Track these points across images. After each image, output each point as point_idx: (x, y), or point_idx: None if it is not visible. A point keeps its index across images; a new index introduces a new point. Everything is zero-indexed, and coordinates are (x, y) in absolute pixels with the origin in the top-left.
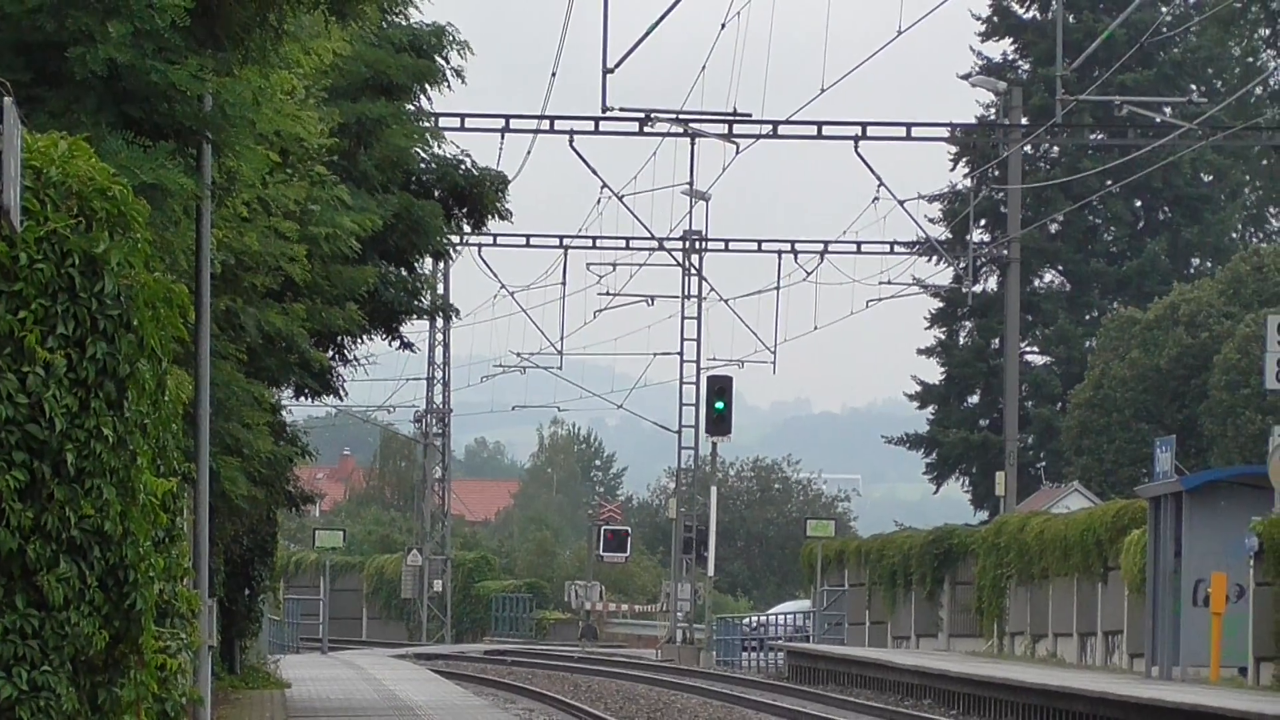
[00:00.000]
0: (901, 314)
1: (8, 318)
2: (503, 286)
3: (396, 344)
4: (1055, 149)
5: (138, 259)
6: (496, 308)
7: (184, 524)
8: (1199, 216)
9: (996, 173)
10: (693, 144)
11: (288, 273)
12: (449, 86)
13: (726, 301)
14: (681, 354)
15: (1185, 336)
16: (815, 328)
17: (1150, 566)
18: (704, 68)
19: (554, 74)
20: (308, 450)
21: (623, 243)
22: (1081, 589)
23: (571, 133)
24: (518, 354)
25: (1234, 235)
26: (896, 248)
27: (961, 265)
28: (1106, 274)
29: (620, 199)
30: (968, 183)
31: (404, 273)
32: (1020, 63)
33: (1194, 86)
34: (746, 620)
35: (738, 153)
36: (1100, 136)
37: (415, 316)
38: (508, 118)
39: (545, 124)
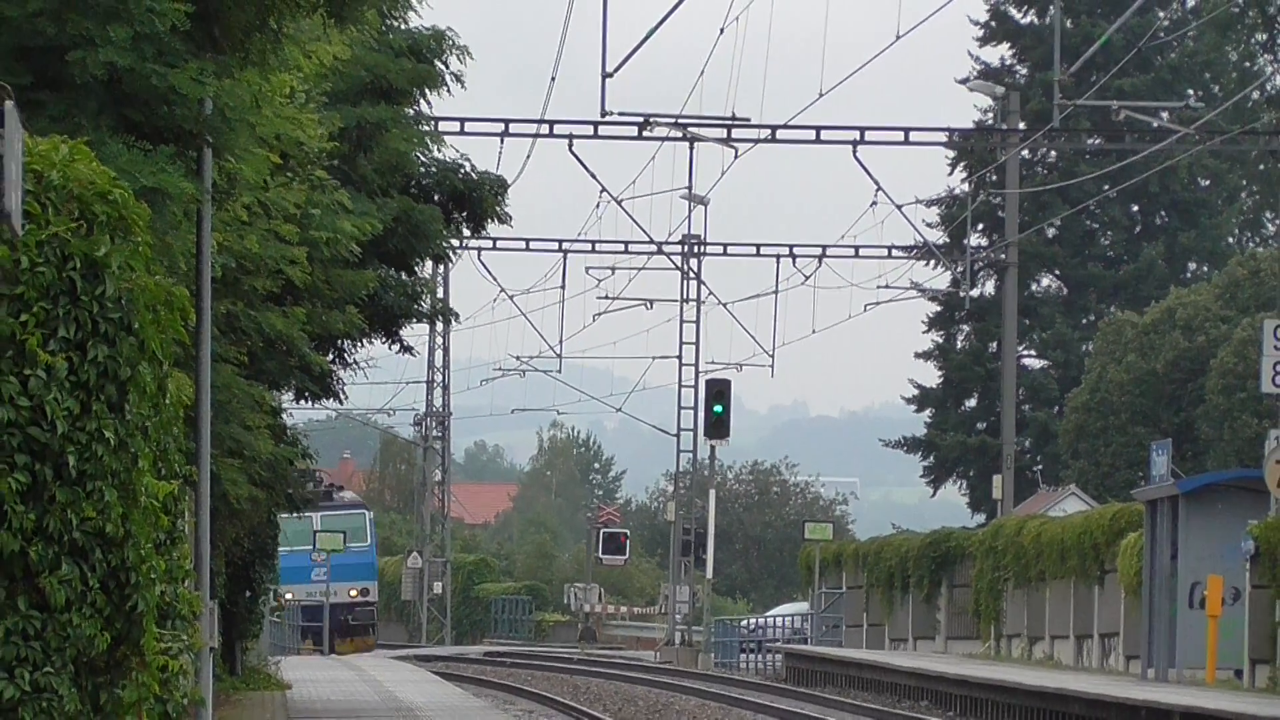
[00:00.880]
0: (899, 318)
1: (9, 321)
2: (502, 290)
3: (396, 347)
4: (1053, 153)
5: (138, 262)
6: (496, 311)
7: (185, 526)
8: (1196, 221)
9: (994, 177)
10: (691, 148)
11: (288, 276)
12: (448, 91)
13: (725, 305)
14: (680, 357)
15: (1182, 340)
16: (813, 331)
17: (1147, 569)
18: (702, 72)
19: (553, 78)
20: (308, 452)
21: (622, 247)
22: (1078, 592)
23: (571, 137)
24: (517, 357)
25: (1230, 240)
26: (894, 252)
27: (959, 269)
28: (1103, 278)
29: (619, 203)
30: (965, 187)
31: (404, 276)
32: (1018, 68)
33: (1191, 91)
34: (745, 622)
35: (736, 157)
36: (1097, 141)
37: (415, 320)
38: (507, 122)
39: (544, 128)
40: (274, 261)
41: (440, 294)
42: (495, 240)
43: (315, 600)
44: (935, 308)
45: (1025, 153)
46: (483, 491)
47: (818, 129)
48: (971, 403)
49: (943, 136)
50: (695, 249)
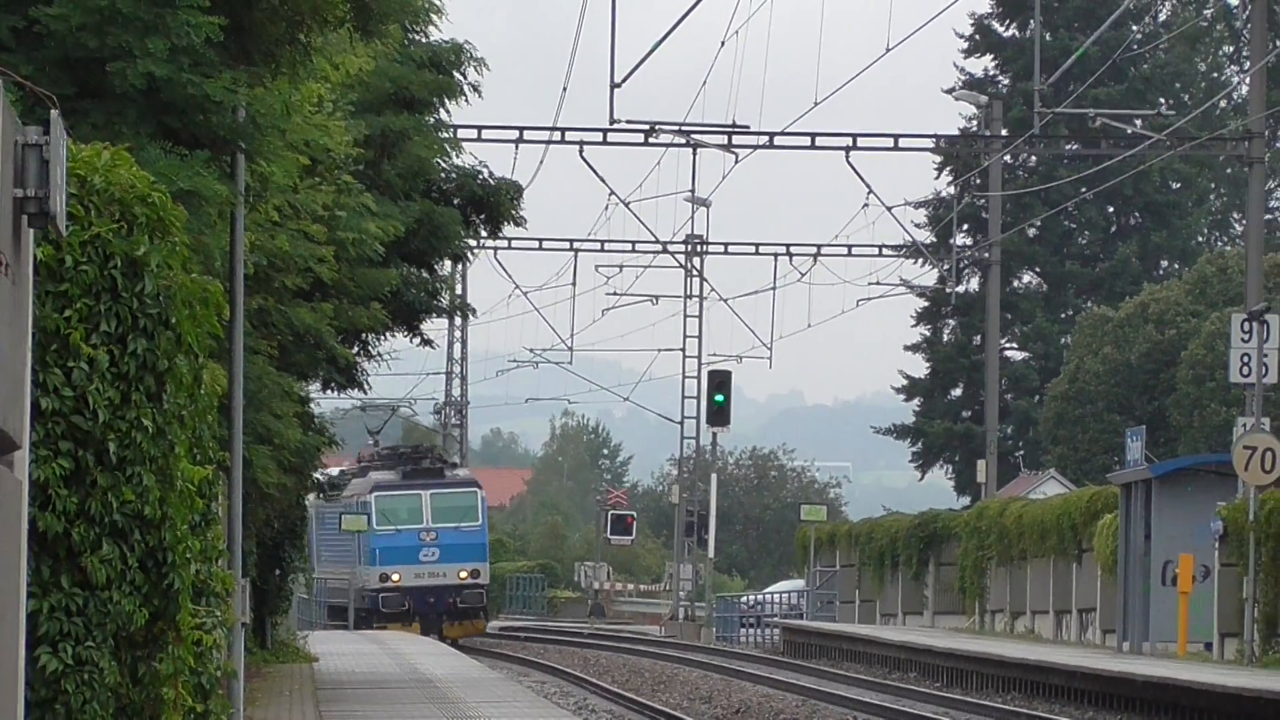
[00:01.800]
0: (889, 313)
1: (54, 316)
2: (517, 287)
3: (417, 340)
4: (1033, 158)
5: (176, 261)
6: (511, 306)
7: (219, 509)
8: (1167, 221)
9: (978, 181)
10: (694, 154)
11: (316, 273)
12: (466, 100)
13: (726, 301)
14: (684, 350)
15: (1155, 334)
16: (809, 325)
17: (1122, 548)
18: (705, 82)
19: (565, 89)
20: (334, 440)
21: (629, 246)
22: (1057, 569)
23: (581, 143)
24: (531, 350)
25: (1200, 239)
26: (885, 251)
27: (945, 267)
28: (1081, 275)
29: (627, 205)
30: (951, 190)
31: (424, 274)
32: (1000, 78)
33: (1163, 100)
34: (744, 599)
35: (736, 162)
36: (1075, 147)
37: (435, 315)
38: (521, 129)
39: (557, 135)
40: (303, 260)
41: (459, 291)
42: (510, 240)
43: (424, 582)
44: (923, 303)
45: (1007, 158)
46: (498, 476)
47: (813, 135)
48: (957, 392)
49: (930, 143)
50: (698, 248)
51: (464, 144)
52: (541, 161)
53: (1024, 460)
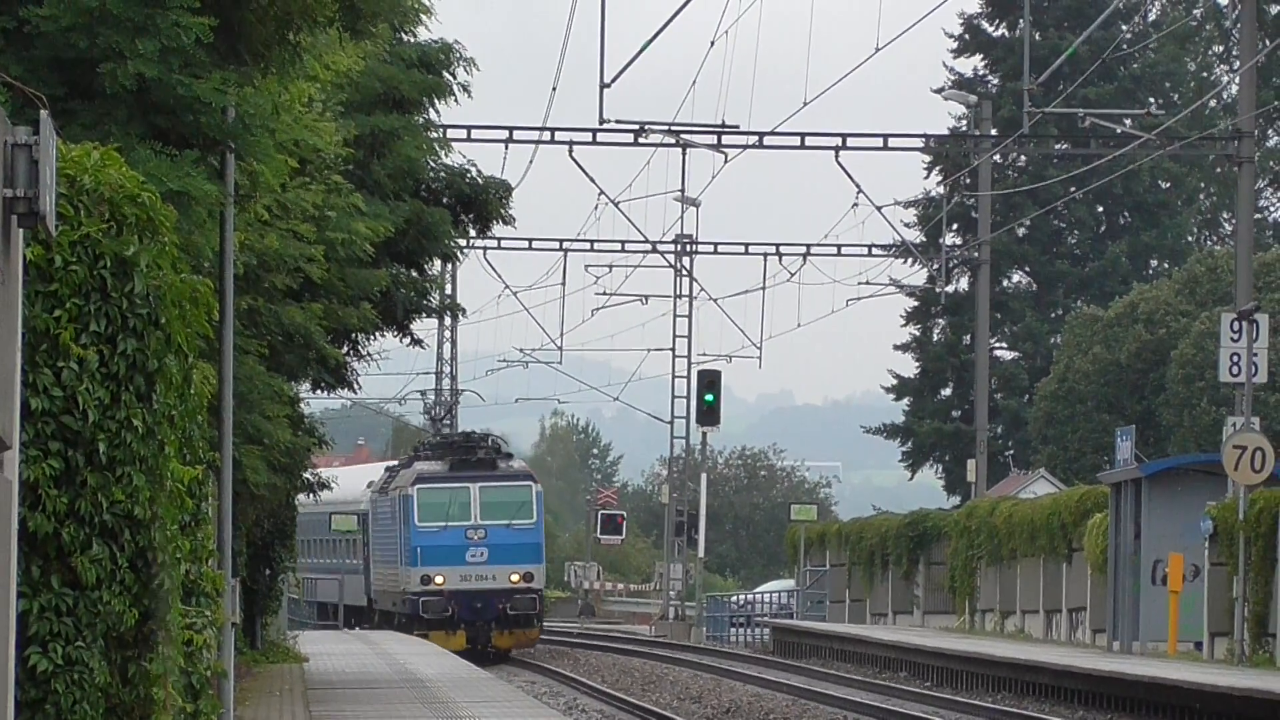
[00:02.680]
0: (879, 312)
1: (44, 316)
2: (506, 287)
3: (407, 340)
4: (1023, 158)
5: (165, 261)
6: (501, 306)
7: (209, 509)
8: (1157, 221)
9: (968, 180)
10: (684, 153)
11: (306, 273)
12: (456, 100)
13: (716, 301)
14: (674, 350)
15: (1144, 333)
16: (798, 325)
17: (1111, 548)
18: (694, 82)
19: (554, 89)
20: (324, 440)
21: (619, 246)
22: (1047, 569)
23: (571, 143)
24: (520, 350)
25: (1190, 238)
26: (874, 250)
27: (935, 267)
28: (1070, 275)
29: (616, 205)
30: (941, 189)
31: (414, 274)
32: (990, 77)
33: (1152, 99)
34: (734, 598)
35: (726, 162)
36: (1065, 146)
37: (425, 315)
38: (511, 129)
39: (546, 135)
40: (293, 260)
41: (448, 290)
42: (500, 240)
43: (470, 585)
44: (913, 303)
45: (997, 157)
46: None
47: (802, 135)
48: (947, 392)
49: (919, 142)
50: (687, 248)
51: (453, 144)
52: (531, 161)
53: (1014, 460)
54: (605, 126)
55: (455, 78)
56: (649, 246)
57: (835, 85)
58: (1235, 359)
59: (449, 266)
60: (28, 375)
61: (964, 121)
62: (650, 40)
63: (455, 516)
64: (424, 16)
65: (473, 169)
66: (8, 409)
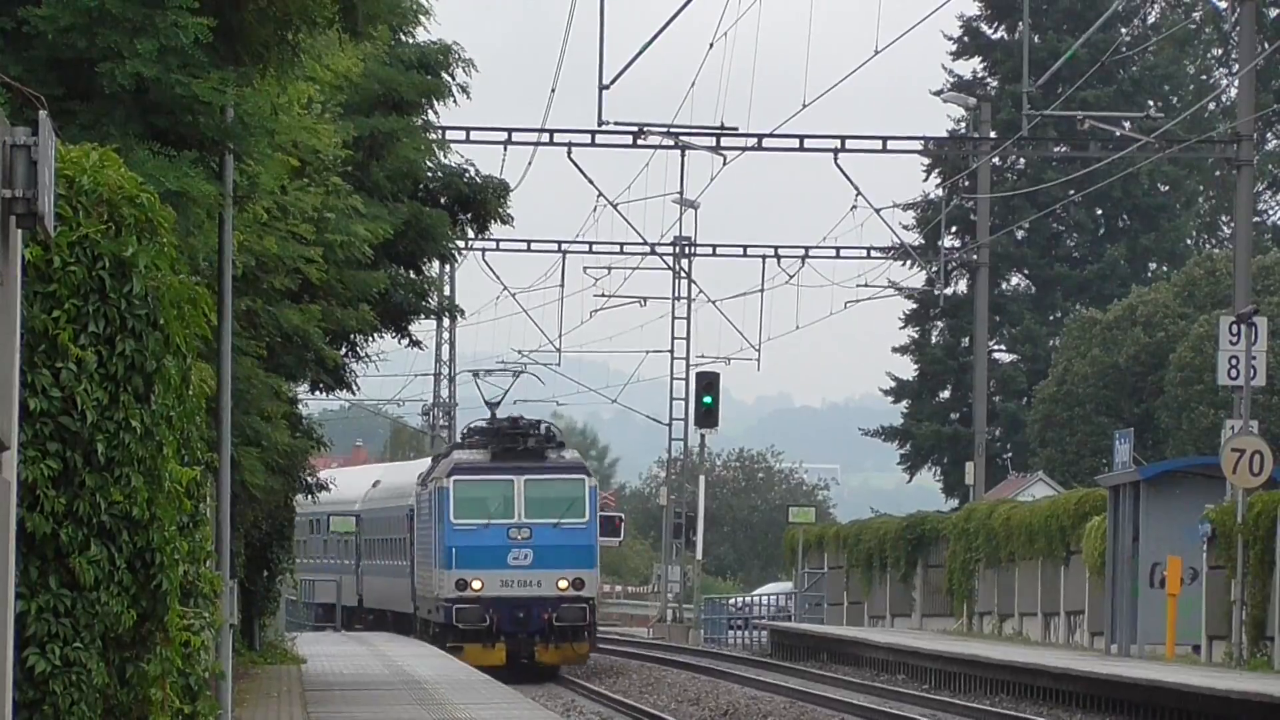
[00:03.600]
0: (877, 315)
1: (42, 317)
2: (505, 288)
3: (405, 342)
4: (1021, 161)
5: (164, 262)
6: (499, 308)
7: (207, 510)
8: (1156, 224)
9: (966, 183)
10: (683, 155)
11: (305, 274)
12: (455, 101)
13: (714, 303)
14: (672, 352)
15: (1143, 336)
16: (797, 327)
17: (1110, 551)
18: (693, 84)
19: (553, 90)
20: (322, 441)
21: (617, 248)
22: (1045, 572)
23: (570, 145)
24: (519, 351)
25: (1188, 241)
26: (873, 253)
27: (934, 269)
28: (1069, 278)
29: (615, 207)
30: (940, 192)
31: (413, 275)
32: (989, 80)
33: (1151, 102)
34: (732, 601)
35: (725, 164)
36: (1063, 149)
37: (423, 316)
38: (510, 130)
39: (545, 137)
40: (292, 261)
41: (446, 292)
42: (498, 241)
43: (511, 592)
44: (911, 305)
45: (996, 160)
46: None
47: (801, 138)
48: (945, 394)
49: (918, 145)
50: (686, 250)
51: (452, 145)
52: (530, 163)
53: (1012, 462)
54: (604, 128)
55: (454, 79)
56: (648, 248)
57: (834, 88)
58: (1234, 362)
59: (447, 268)
60: (26, 376)
61: (963, 124)
62: (649, 42)
63: (496, 513)
64: (423, 18)
65: (470, 169)
66: (6, 410)
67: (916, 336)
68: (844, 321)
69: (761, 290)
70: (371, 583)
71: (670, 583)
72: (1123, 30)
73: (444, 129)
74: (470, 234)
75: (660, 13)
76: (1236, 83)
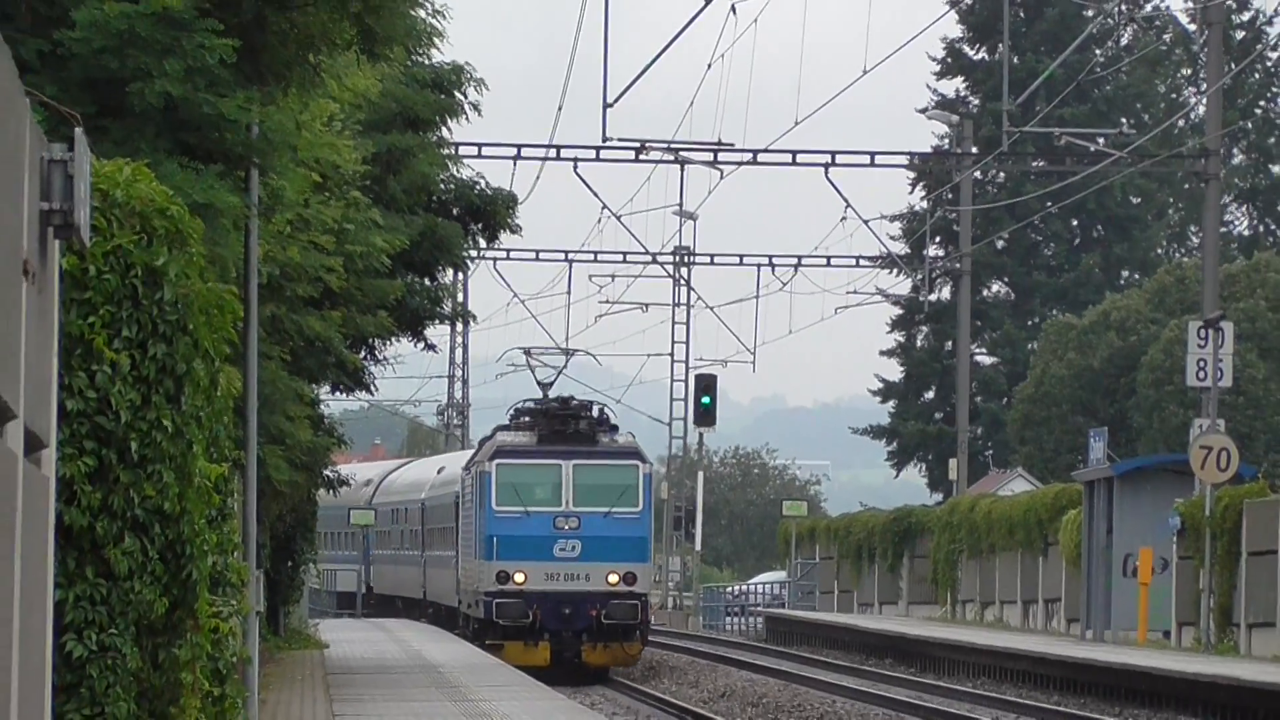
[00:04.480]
0: (866, 320)
1: (79, 322)
2: (515, 295)
3: (421, 345)
4: (1002, 174)
5: (193, 270)
6: (509, 314)
7: (234, 504)
8: (1128, 234)
9: (950, 195)
10: (682, 170)
11: (326, 283)
12: (467, 119)
13: (712, 309)
14: (672, 355)
15: (1116, 340)
16: (790, 332)
17: (1085, 542)
18: (692, 103)
19: (560, 108)
20: (343, 439)
21: (620, 257)
22: (1024, 562)
23: (576, 160)
24: (527, 352)
25: (1159, 251)
26: (862, 261)
27: (919, 277)
28: (1047, 285)
29: (618, 218)
30: (924, 204)
31: (428, 283)
32: (971, 99)
33: (1124, 120)
34: (729, 589)
35: (722, 178)
36: (1041, 164)
37: (438, 321)
38: (519, 146)
39: (552, 152)
40: (313, 270)
41: (460, 298)
42: (509, 251)
43: (557, 586)
44: (898, 311)
45: (977, 174)
46: None
47: (794, 153)
48: (930, 395)
49: (905, 160)
50: (685, 259)
51: (465, 159)
52: (538, 177)
53: (993, 459)
54: (608, 144)
55: (466, 97)
56: (649, 257)
57: (825, 106)
58: (1202, 365)
59: (460, 276)
60: (64, 378)
61: (946, 140)
62: (651, 63)
63: (542, 500)
64: (436, 39)
65: (481, 181)
66: (45, 410)
67: (903, 340)
68: (834, 326)
69: (757, 297)
70: (432, 574)
71: (671, 572)
72: (1097, 52)
73: (457, 144)
74: (482, 243)
75: (661, 35)
76: (1204, 101)
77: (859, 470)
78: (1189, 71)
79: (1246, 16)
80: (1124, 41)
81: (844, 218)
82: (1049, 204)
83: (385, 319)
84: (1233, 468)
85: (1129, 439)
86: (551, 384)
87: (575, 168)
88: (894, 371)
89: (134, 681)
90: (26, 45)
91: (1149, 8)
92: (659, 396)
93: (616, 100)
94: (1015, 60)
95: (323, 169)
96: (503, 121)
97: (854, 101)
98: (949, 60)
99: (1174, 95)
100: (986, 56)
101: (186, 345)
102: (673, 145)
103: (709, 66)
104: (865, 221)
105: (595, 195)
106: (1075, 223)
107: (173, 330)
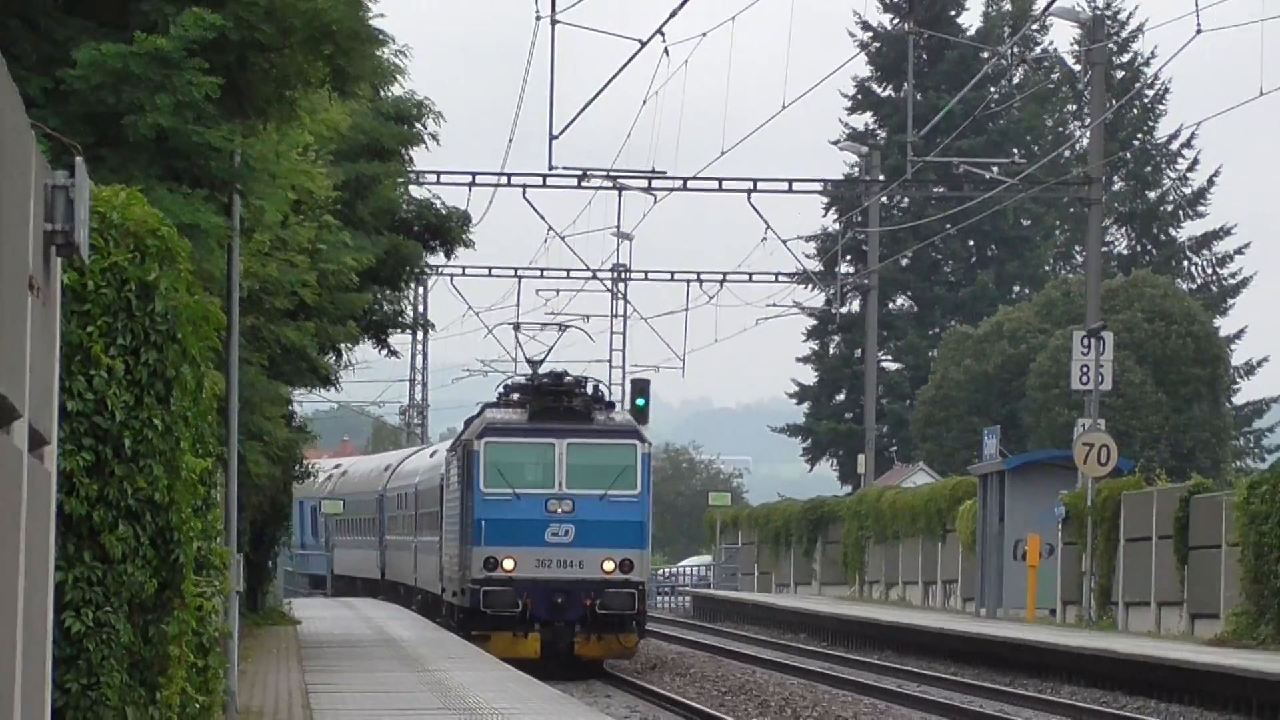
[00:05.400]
0: (784, 330)
1: (78, 331)
2: (470, 307)
3: (385, 352)
4: (906, 200)
5: (181, 285)
6: (465, 324)
7: (217, 495)
8: (1019, 253)
9: (860, 218)
10: (620, 195)
11: (301, 297)
12: (426, 148)
13: (646, 320)
14: (610, 361)
15: (1008, 348)
16: (716, 340)
17: (980, 529)
18: (629, 135)
19: (510, 140)
20: (314, 436)
21: (564, 274)
22: (925, 547)
23: (524, 187)
24: (481, 361)
25: (1047, 268)
26: (780, 278)
27: (831, 292)
28: (946, 298)
29: (563, 239)
30: (837, 226)
31: (392, 294)
32: (879, 131)
33: (1016, 150)
34: (661, 571)
35: (656, 202)
36: (942, 190)
37: (400, 329)
38: (474, 174)
39: (504, 180)
40: (290, 285)
41: (420, 308)
42: (464, 268)
43: (549, 573)
44: (812, 322)
45: (884, 199)
46: None
47: (720, 180)
48: (841, 397)
49: (819, 186)
50: (623, 275)
51: (425, 185)
52: (491, 201)
53: (897, 454)
54: (554, 172)
55: (426, 128)
56: (590, 274)
57: (748, 137)
58: (1085, 370)
59: (420, 290)
60: (64, 382)
61: (857, 168)
62: (593, 99)
63: (533, 482)
64: (399, 76)
65: (438, 201)
66: (48, 410)
67: (817, 349)
68: (756, 336)
69: (686, 309)
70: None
71: None
72: (992, 89)
73: (419, 172)
74: (441, 258)
75: (602, 74)
76: (1088, 133)
77: (777, 465)
78: (1074, 107)
79: (1126, 58)
80: (1016, 80)
81: (764, 238)
82: (948, 226)
83: (354, 328)
84: (1112, 463)
85: (1019, 437)
86: (542, 361)
87: (524, 193)
88: (809, 376)
89: (126, 654)
90: (32, 83)
91: (1039, 50)
92: None
93: (561, 133)
94: (918, 97)
95: (298, 194)
96: (460, 151)
97: (774, 134)
98: (859, 97)
99: (1061, 128)
100: (893, 93)
101: (175, 352)
102: (611, 173)
103: (644, 102)
104: (784, 242)
105: (542, 218)
106: (972, 243)
107: (163, 339)
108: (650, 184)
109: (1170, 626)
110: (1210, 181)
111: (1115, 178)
